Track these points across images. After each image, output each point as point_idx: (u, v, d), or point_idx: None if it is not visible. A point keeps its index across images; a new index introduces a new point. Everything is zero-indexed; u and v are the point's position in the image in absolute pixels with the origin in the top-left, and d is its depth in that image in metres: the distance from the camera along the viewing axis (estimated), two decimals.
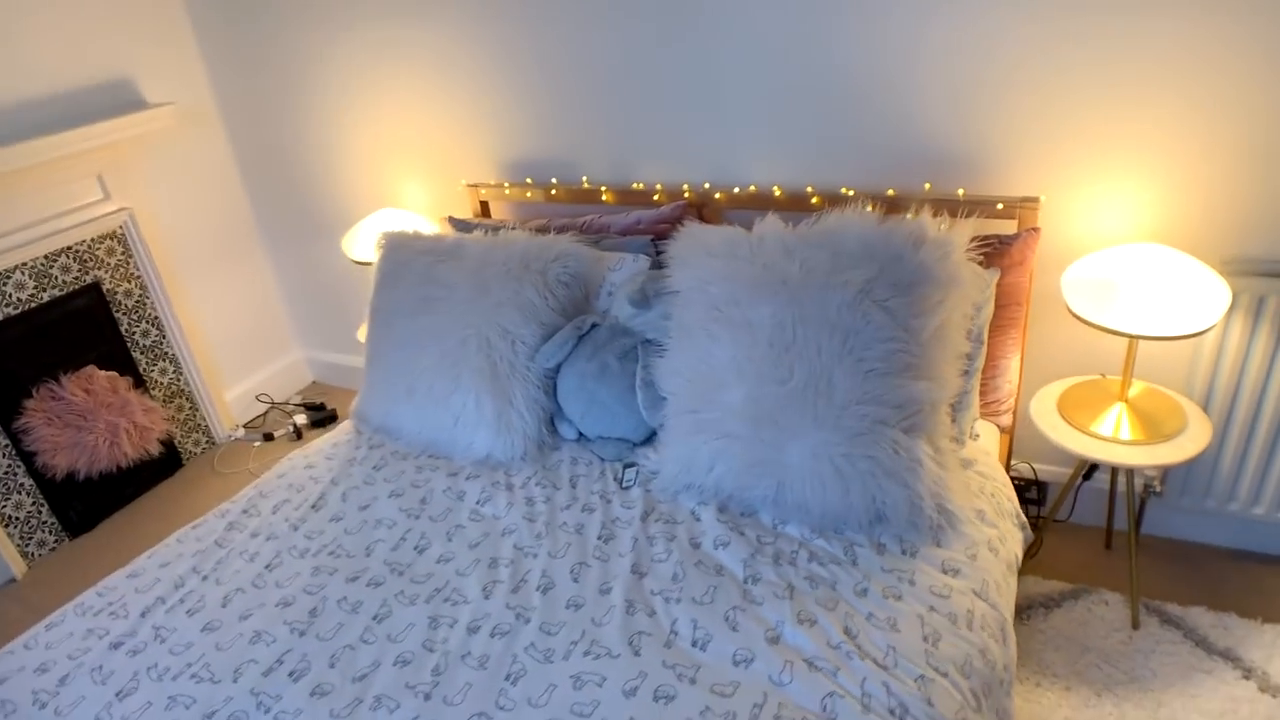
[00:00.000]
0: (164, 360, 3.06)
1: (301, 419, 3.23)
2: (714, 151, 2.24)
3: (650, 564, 1.55)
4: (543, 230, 2.21)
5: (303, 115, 2.95)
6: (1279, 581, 2.02)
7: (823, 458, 1.54)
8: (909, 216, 1.70)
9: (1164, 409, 1.86)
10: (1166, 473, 2.05)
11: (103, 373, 2.82)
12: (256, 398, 3.40)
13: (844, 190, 2.09)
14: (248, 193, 3.29)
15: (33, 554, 2.74)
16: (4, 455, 2.63)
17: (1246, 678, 1.79)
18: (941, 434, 1.59)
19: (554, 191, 2.47)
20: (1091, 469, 2.19)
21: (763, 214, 1.76)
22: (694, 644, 1.36)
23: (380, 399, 2.09)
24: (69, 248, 2.73)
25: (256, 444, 3.21)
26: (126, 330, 2.93)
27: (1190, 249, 1.83)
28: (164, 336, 3.05)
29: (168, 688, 1.43)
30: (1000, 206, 1.90)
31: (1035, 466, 2.26)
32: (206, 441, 3.24)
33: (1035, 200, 1.90)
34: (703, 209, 2.25)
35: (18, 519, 2.69)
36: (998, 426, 1.94)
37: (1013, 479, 1.85)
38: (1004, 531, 1.63)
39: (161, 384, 3.06)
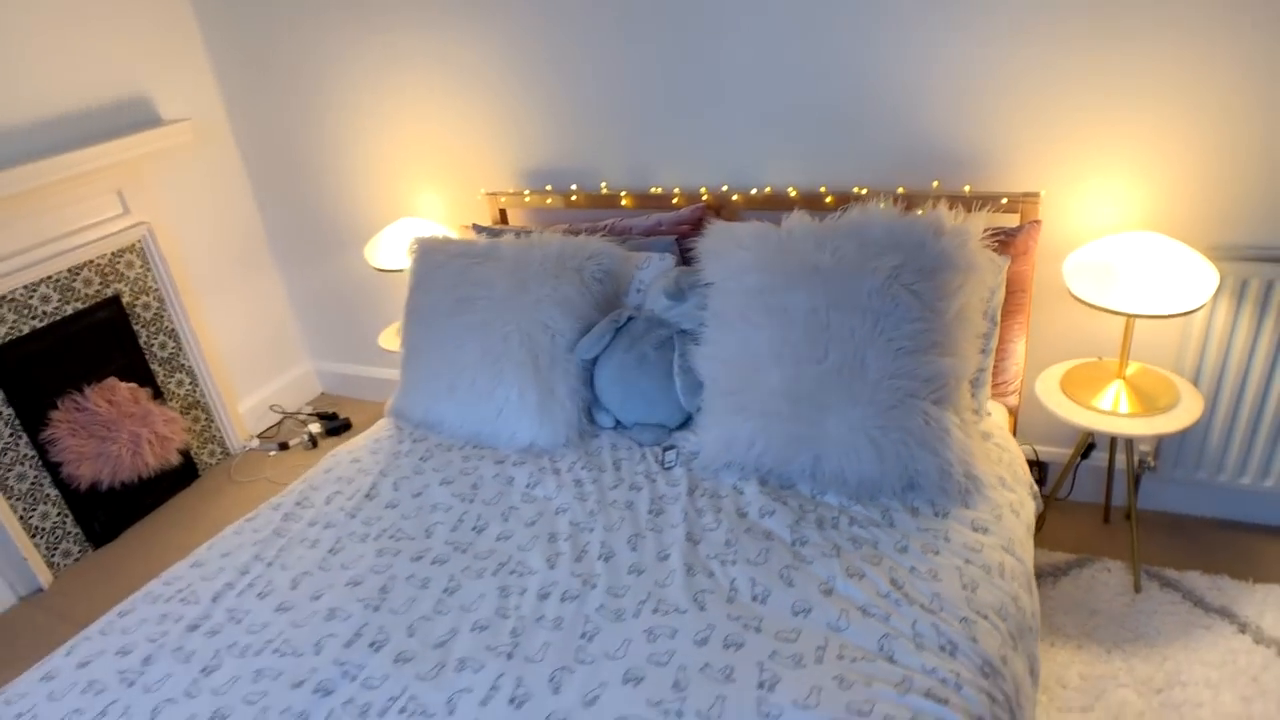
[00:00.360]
0: (180, 372, 3.11)
1: (316, 428, 3.29)
2: (730, 154, 2.38)
3: (702, 532, 1.66)
4: (572, 233, 2.32)
5: (313, 129, 3.05)
6: (1266, 546, 2.18)
7: (858, 430, 1.67)
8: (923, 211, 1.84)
9: (1158, 385, 2.02)
10: (1160, 447, 2.20)
11: (124, 384, 2.86)
12: (270, 408, 3.45)
13: (856, 189, 2.24)
14: (259, 206, 3.36)
15: (58, 564, 2.76)
16: (31, 467, 2.67)
17: (1242, 632, 1.94)
18: (965, 406, 1.73)
19: (574, 197, 2.59)
20: (1089, 448, 2.34)
21: (777, 214, 1.89)
22: (754, 598, 1.47)
23: (420, 395, 2.18)
24: (90, 261, 2.78)
25: (272, 453, 3.26)
26: (145, 343, 2.98)
27: (1180, 237, 2.00)
28: (180, 349, 3.11)
29: (251, 662, 1.50)
30: (1004, 201, 2.06)
31: (1037, 448, 2.41)
32: (221, 452, 3.28)
33: (1036, 195, 2.06)
34: (720, 210, 2.38)
35: (44, 529, 2.72)
36: (1005, 406, 2.09)
37: None
38: (1021, 497, 1.77)
39: (179, 395, 3.11)
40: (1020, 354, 2.08)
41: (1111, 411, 1.95)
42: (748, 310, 1.80)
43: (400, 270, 2.70)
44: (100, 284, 2.82)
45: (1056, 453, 2.40)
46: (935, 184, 2.18)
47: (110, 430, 2.77)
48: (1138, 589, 2.09)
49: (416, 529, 1.80)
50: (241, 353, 3.38)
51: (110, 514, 2.89)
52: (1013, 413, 2.11)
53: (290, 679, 1.44)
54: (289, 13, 2.84)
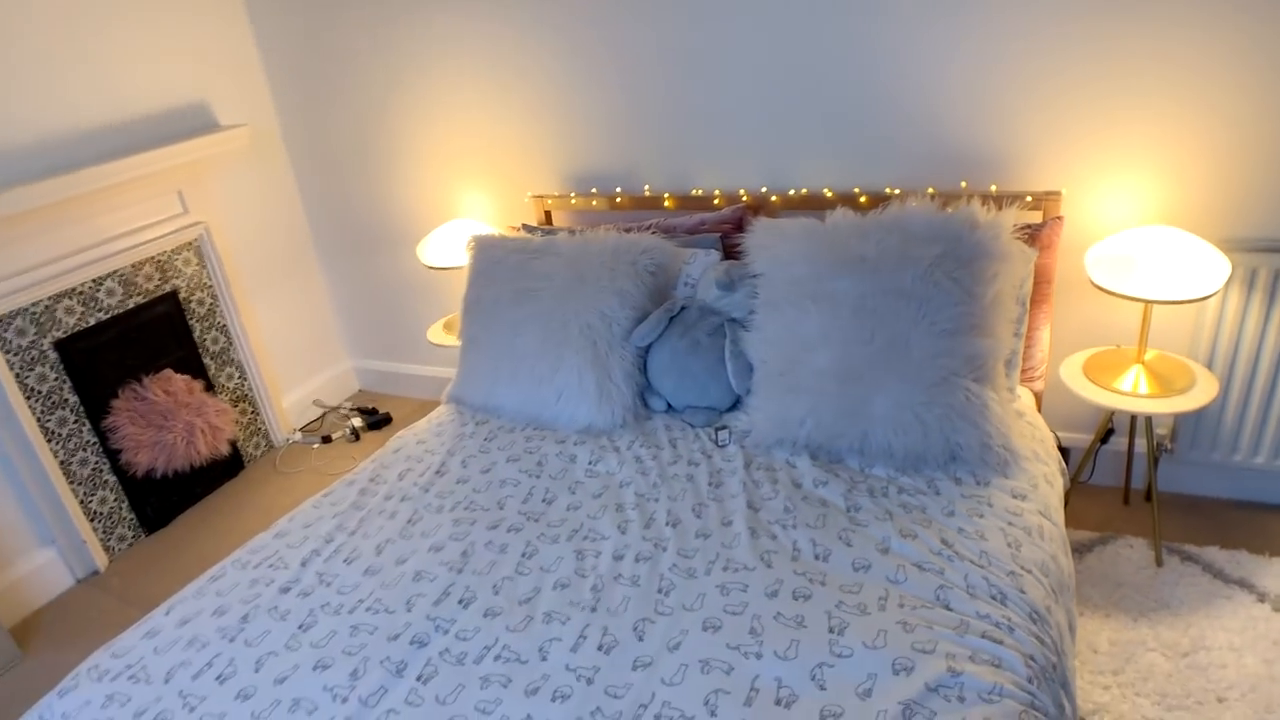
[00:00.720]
0: (230, 366, 3.23)
1: (358, 422, 3.41)
2: (767, 158, 2.52)
3: (761, 501, 1.78)
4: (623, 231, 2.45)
5: (360, 136, 3.18)
6: None
7: (904, 406, 1.80)
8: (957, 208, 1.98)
9: (1175, 369, 2.16)
10: (1177, 430, 2.34)
11: (179, 376, 2.98)
12: (313, 402, 3.57)
13: (888, 189, 2.38)
14: (306, 208, 3.50)
15: (114, 548, 2.87)
16: (93, 453, 2.78)
17: (1261, 601, 2.06)
18: (1001, 385, 1.86)
19: (618, 199, 2.72)
20: (1108, 434, 2.47)
21: (814, 214, 2.03)
22: (816, 557, 1.59)
23: (480, 381, 2.30)
24: (152, 258, 2.91)
25: (315, 446, 3.37)
26: (199, 337, 3.11)
27: (1194, 230, 2.14)
28: (231, 343, 3.23)
29: (346, 619, 1.61)
30: (1029, 199, 2.20)
31: (1059, 434, 2.53)
32: (266, 445, 3.39)
33: (1058, 193, 2.20)
34: (759, 210, 2.52)
35: (102, 514, 2.83)
36: (1032, 391, 2.22)
37: None
38: (1053, 470, 1.90)
39: (228, 389, 3.23)
40: (1045, 341, 2.22)
41: (1132, 393, 2.08)
42: (797, 297, 1.93)
43: (451, 268, 2.83)
44: (160, 279, 2.94)
45: (1078, 438, 2.53)
46: (963, 184, 2.32)
47: (166, 420, 2.89)
48: (1159, 563, 2.21)
49: (489, 501, 1.92)
50: (285, 349, 3.51)
51: (162, 501, 3.00)
52: (1038, 398, 2.24)
53: (386, 633, 1.56)
54: (340, 24, 2.98)
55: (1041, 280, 2.18)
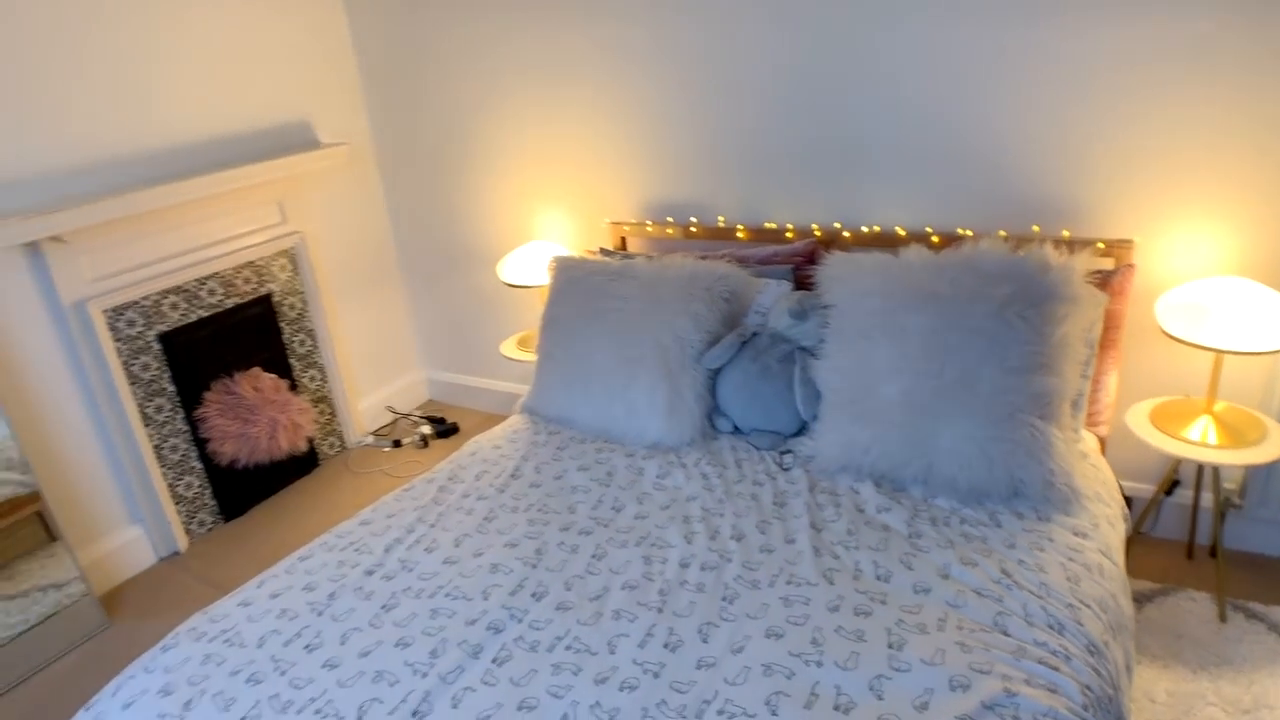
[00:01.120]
0: (313, 368, 3.41)
1: (427, 429, 3.55)
2: (841, 195, 2.60)
3: (824, 523, 1.84)
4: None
5: (447, 158, 3.36)
6: None
7: (970, 440, 1.85)
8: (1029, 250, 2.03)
9: (1245, 422, 2.16)
10: (1246, 486, 2.32)
11: (267, 374, 3.16)
12: (386, 408, 3.73)
13: (960, 231, 2.44)
14: (392, 223, 3.69)
15: (194, 531, 3.04)
16: (184, 440, 2.96)
17: None
18: (1066, 424, 1.89)
19: (693, 229, 2.83)
20: (1173, 485, 2.47)
21: (885, 251, 2.10)
22: (877, 577, 1.64)
23: (555, 393, 2.41)
24: (250, 262, 3.11)
25: (386, 449, 3.52)
26: (287, 339, 3.29)
27: (1269, 282, 2.15)
28: (316, 347, 3.40)
29: (426, 603, 1.71)
30: (1101, 246, 2.24)
31: (1122, 483, 2.53)
32: (340, 445, 3.55)
33: (1130, 242, 2.24)
34: (831, 245, 2.59)
35: (187, 498, 3.00)
36: (1097, 436, 2.24)
37: None
38: (1115, 513, 1.92)
39: (310, 389, 3.40)
40: (1112, 387, 2.24)
41: (1200, 442, 2.09)
42: (868, 329, 2.00)
43: (527, 286, 2.96)
44: (257, 283, 3.13)
45: (1142, 488, 2.53)
46: (1035, 229, 2.37)
47: (253, 414, 3.06)
48: (1223, 618, 2.19)
49: (560, 505, 2.01)
50: (364, 356, 3.68)
51: (242, 490, 3.17)
52: (1102, 443, 2.26)
53: (463, 618, 1.65)
54: (433, 56, 3.17)
55: (1111, 326, 2.21)
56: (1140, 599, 2.29)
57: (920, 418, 1.90)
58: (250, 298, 3.12)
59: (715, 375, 2.28)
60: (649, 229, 2.92)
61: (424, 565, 1.84)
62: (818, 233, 2.63)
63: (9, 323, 2.49)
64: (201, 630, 1.70)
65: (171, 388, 2.90)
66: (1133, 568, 2.41)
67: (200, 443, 3.00)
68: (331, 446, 3.52)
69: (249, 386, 3.08)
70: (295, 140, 3.24)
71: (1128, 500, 2.51)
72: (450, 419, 3.70)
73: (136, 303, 2.76)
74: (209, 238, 2.95)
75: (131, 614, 2.67)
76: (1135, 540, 2.53)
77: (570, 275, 2.50)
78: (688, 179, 2.86)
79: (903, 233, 2.51)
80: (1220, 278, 2.09)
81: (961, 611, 1.54)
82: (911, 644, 1.45)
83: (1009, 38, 2.23)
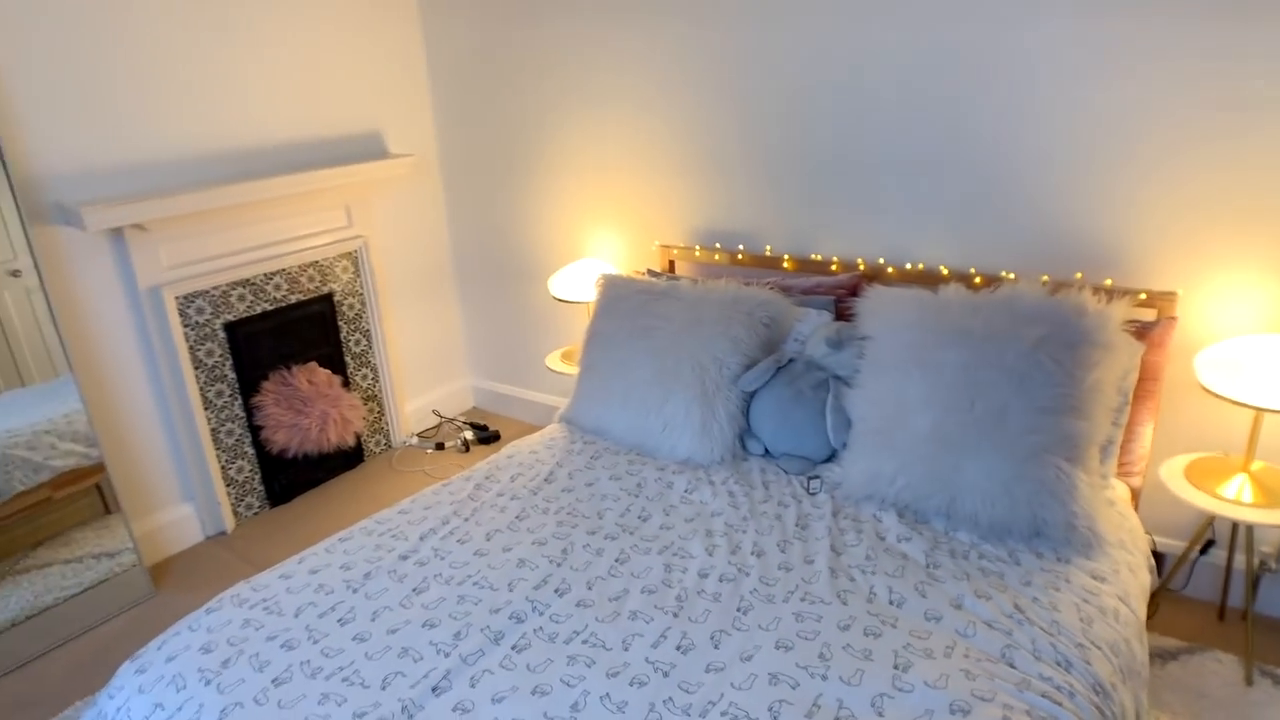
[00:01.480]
0: (366, 367, 3.55)
1: (469, 435, 3.65)
2: (887, 231, 2.66)
3: (845, 546, 1.88)
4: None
5: (508, 174, 3.50)
6: None
7: (995, 477, 1.87)
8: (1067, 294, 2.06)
9: None
10: None
11: (322, 369, 3.30)
12: (433, 411, 3.86)
13: (1003, 273, 2.47)
14: (450, 234, 3.84)
15: (241, 514, 3.17)
16: (239, 426, 3.10)
17: None
18: (1093, 469, 1.91)
19: (740, 256, 2.91)
20: (1208, 544, 2.44)
21: (927, 288, 2.14)
22: (891, 602, 1.68)
23: (594, 405, 2.49)
24: (315, 262, 3.26)
25: (429, 451, 3.63)
26: (344, 337, 3.43)
27: None
28: (370, 347, 3.55)
29: (455, 590, 1.79)
30: (1143, 296, 2.25)
31: (1155, 538, 2.51)
32: (385, 443, 3.68)
33: (1173, 294, 2.24)
34: (875, 279, 2.64)
35: (237, 481, 3.14)
36: (1129, 486, 2.23)
37: None
38: (1138, 561, 1.92)
39: (361, 387, 3.54)
40: (1147, 438, 2.23)
41: (1235, 500, 2.08)
42: (902, 362, 2.04)
43: (576, 302, 3.06)
44: (320, 281, 3.29)
45: (1174, 545, 2.50)
46: (1078, 275, 2.39)
47: (306, 406, 3.20)
48: (1249, 682, 2.16)
49: (589, 510, 2.08)
50: (414, 359, 3.81)
51: (289, 478, 3.30)
52: (1135, 494, 2.25)
53: (488, 606, 1.73)
54: (503, 73, 3.32)
55: (1148, 377, 2.21)
56: (1165, 656, 2.26)
57: (947, 452, 1.93)
58: (312, 295, 3.28)
59: (750, 398, 2.34)
60: (697, 254, 3.00)
61: (455, 555, 1.92)
62: (862, 266, 2.69)
63: (90, 302, 2.66)
64: (244, 597, 1.80)
65: (232, 375, 3.06)
66: (1162, 625, 2.39)
67: (254, 429, 3.14)
68: (377, 444, 3.65)
69: (304, 379, 3.22)
70: (366, 149, 3.41)
71: (1159, 555, 2.49)
72: (493, 427, 3.81)
73: (206, 292, 2.93)
74: (278, 236, 3.12)
75: (176, 586, 2.81)
76: (1166, 598, 2.50)
77: (617, 292, 2.59)
78: (740, 208, 2.94)
79: (945, 271, 2.55)
80: (1264, 335, 2.09)
81: (970, 641, 1.56)
82: (917, 667, 1.49)
83: (1079, 91, 2.25)
